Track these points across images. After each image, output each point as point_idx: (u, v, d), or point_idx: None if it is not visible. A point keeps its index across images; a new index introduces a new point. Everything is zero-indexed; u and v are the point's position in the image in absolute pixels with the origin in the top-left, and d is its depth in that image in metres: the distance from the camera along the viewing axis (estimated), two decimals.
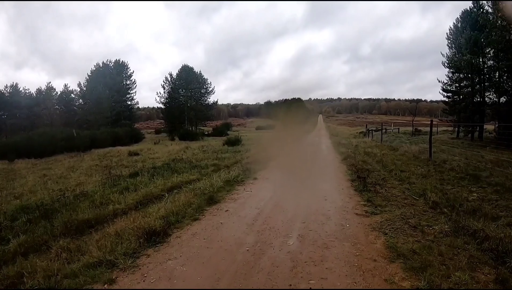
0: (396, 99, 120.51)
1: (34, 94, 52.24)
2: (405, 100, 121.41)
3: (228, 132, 49.85)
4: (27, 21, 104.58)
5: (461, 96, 27.11)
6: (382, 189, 7.90)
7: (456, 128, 27.19)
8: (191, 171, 12.01)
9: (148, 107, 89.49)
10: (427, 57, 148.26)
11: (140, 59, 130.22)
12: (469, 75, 25.04)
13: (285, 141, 25.34)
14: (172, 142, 34.31)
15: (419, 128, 30.12)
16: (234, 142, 24.03)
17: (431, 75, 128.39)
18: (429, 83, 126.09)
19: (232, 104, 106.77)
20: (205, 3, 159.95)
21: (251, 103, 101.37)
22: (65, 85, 53.39)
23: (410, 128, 37.67)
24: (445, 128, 36.62)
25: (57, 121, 50.04)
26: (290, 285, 3.52)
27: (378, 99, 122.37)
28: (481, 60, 24.46)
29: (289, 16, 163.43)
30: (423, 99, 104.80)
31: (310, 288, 3.46)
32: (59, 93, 53.35)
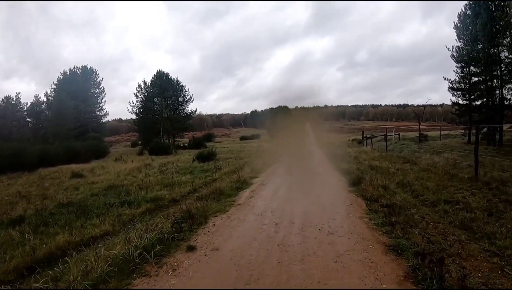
0: (382, 104, 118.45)
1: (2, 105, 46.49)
2: (392, 105, 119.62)
3: (208, 144, 45.29)
4: (19, 26, 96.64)
5: (475, 94, 22.77)
6: (462, 270, 3.47)
7: (468, 132, 22.81)
8: (111, 212, 7.48)
9: (132, 118, 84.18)
10: (422, 62, 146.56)
11: (134, 68, 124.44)
12: (487, 68, 20.78)
13: (270, 154, 20.79)
14: (139, 157, 29.44)
15: (424, 133, 25.78)
16: (207, 157, 19.46)
17: (424, 80, 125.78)
18: (419, 88, 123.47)
19: (217, 114, 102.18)
20: (213, 6, 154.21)
21: (239, 113, 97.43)
22: (36, 96, 47.50)
23: (409, 134, 33.78)
24: (446, 132, 32.49)
25: (27, 134, 44.57)
26: None
27: (365, 105, 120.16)
28: (496, 50, 20.38)
29: (293, 22, 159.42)
30: (409, 104, 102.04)
31: None
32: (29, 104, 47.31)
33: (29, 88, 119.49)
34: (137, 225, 6.20)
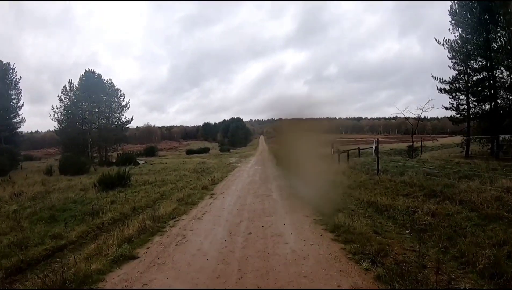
0: (337, 118, 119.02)
1: None
2: (347, 118, 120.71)
3: (148, 159, 38.15)
4: None
5: (479, 95, 17.70)
6: None
7: (466, 143, 17.62)
8: None
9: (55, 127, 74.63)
10: (387, 78, 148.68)
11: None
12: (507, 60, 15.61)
13: (206, 177, 14.61)
14: (45, 177, 21.95)
15: (410, 144, 20.68)
16: (114, 183, 13.03)
17: (383, 95, 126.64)
18: (378, 102, 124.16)
19: (170, 125, 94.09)
20: (205, 14, 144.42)
21: (193, 125, 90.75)
22: None
23: (385, 146, 29.26)
24: (423, 144, 27.82)
25: None
26: None
27: (319, 119, 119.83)
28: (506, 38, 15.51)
29: (276, 34, 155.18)
30: (363, 117, 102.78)
31: None
32: None
33: None
34: None
